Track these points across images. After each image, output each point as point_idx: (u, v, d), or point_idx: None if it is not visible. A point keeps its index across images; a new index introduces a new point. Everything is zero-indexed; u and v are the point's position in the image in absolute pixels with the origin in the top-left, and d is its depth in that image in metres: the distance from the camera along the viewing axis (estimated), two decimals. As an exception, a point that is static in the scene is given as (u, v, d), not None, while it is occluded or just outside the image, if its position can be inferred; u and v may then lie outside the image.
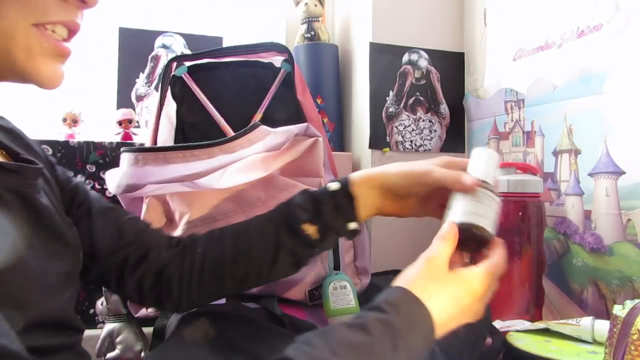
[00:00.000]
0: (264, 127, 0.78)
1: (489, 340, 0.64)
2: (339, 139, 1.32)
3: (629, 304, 0.48)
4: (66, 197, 0.56)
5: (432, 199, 0.59)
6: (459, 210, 0.51)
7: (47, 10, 0.41)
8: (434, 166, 0.56)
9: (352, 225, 0.58)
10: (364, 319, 0.42)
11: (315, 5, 1.30)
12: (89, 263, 0.56)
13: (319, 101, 1.26)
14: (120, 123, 1.16)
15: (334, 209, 0.58)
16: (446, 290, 0.46)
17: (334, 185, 0.59)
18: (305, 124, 0.83)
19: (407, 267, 0.48)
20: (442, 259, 0.47)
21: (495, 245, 0.51)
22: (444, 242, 0.48)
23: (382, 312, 0.42)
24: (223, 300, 0.76)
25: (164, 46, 1.29)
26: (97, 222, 0.58)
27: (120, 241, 0.59)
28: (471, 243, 0.51)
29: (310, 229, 0.58)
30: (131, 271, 0.59)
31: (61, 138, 1.09)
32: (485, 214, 0.51)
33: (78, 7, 0.43)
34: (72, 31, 0.44)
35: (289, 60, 0.99)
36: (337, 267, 0.82)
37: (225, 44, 1.34)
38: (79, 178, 1.05)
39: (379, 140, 1.20)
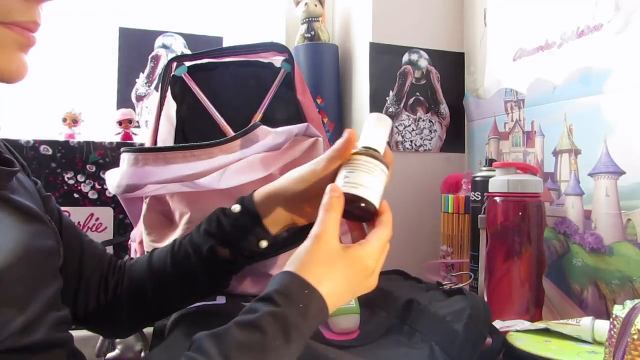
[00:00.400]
0: (264, 127, 0.78)
1: (489, 340, 0.64)
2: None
3: (629, 304, 0.47)
4: (42, 200, 0.56)
5: None
6: (340, 182, 0.50)
7: (8, 9, 0.40)
8: (321, 158, 0.53)
9: (264, 244, 0.56)
10: (255, 314, 0.42)
11: (315, 5, 1.30)
12: None
13: (319, 101, 1.26)
14: (120, 123, 1.16)
15: (240, 232, 0.56)
16: (338, 271, 0.46)
17: (237, 208, 0.57)
18: (305, 124, 0.83)
19: (300, 247, 0.47)
20: (330, 234, 0.46)
21: (381, 216, 0.50)
22: (328, 214, 0.47)
23: (273, 304, 0.42)
24: (223, 300, 0.76)
25: (164, 46, 1.29)
26: (65, 234, 0.58)
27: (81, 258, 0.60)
28: (356, 212, 0.50)
29: (223, 252, 0.57)
30: (85, 290, 0.59)
31: (61, 138, 1.09)
32: (367, 184, 0.49)
33: (37, 2, 0.42)
34: (32, 29, 0.43)
35: (289, 60, 0.99)
36: (337, 267, 0.82)
37: (225, 44, 1.33)
38: (80, 178, 1.05)
39: (379, 140, 1.20)
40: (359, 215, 0.50)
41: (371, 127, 0.52)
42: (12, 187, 0.47)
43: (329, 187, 0.48)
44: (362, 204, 0.49)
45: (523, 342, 0.63)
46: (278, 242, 0.57)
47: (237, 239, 0.56)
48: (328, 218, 0.46)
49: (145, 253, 0.66)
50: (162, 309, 0.64)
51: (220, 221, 0.57)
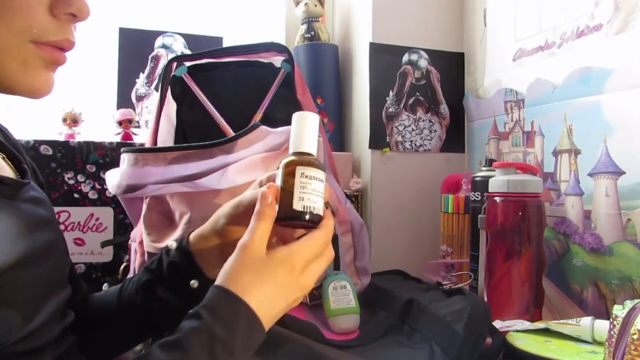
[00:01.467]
0: (264, 128, 0.78)
1: (488, 340, 0.64)
2: (339, 139, 1.32)
3: (629, 304, 0.48)
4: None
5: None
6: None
7: (44, 29, 0.41)
8: (244, 197, 0.52)
9: (194, 284, 0.53)
10: (180, 332, 0.41)
11: (315, 5, 1.31)
12: None
13: (319, 101, 1.26)
14: (120, 123, 1.16)
15: (174, 270, 0.55)
16: (264, 276, 0.44)
17: (173, 245, 0.56)
18: (305, 124, 0.83)
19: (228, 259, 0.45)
20: (257, 242, 0.44)
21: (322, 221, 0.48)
22: (258, 223, 0.45)
23: (197, 319, 0.41)
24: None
25: (164, 46, 1.29)
26: None
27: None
28: (299, 225, 0.48)
29: (159, 290, 0.56)
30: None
31: (61, 138, 1.09)
32: (306, 196, 0.46)
33: (70, 22, 0.43)
34: (66, 48, 0.44)
35: (289, 60, 0.99)
36: (337, 267, 0.82)
37: (225, 44, 1.34)
38: (80, 178, 1.05)
39: (378, 140, 1.20)
40: (302, 226, 0.48)
41: (298, 129, 0.48)
42: (23, 196, 0.47)
43: (260, 194, 0.46)
44: (304, 219, 0.46)
45: (523, 342, 0.63)
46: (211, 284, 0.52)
47: (170, 278, 0.55)
48: (257, 227, 0.45)
49: (145, 255, 0.65)
50: (107, 347, 0.60)
51: (161, 259, 0.56)
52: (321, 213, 0.47)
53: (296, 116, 0.48)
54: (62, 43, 0.43)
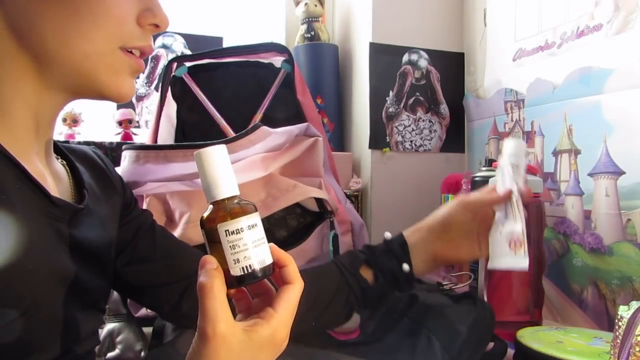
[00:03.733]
0: (265, 128, 0.78)
1: (490, 344, 0.64)
2: (339, 139, 1.32)
3: (635, 305, 0.47)
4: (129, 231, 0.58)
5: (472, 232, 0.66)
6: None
7: (131, 36, 0.45)
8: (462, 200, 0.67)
9: (406, 267, 0.64)
10: None
11: (315, 5, 1.31)
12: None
13: (319, 101, 1.26)
14: (120, 123, 1.16)
15: (386, 253, 0.66)
16: None
17: (388, 235, 0.68)
18: (306, 124, 0.83)
19: (190, 349, 0.36)
20: (222, 323, 0.35)
21: (283, 269, 0.40)
22: (208, 300, 0.35)
23: None
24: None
25: (164, 46, 1.29)
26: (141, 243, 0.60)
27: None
28: (252, 286, 0.41)
29: (367, 273, 0.65)
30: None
31: (61, 138, 1.09)
32: (248, 251, 0.38)
33: (152, 31, 0.48)
34: (147, 53, 0.48)
35: (289, 60, 0.99)
36: (337, 267, 0.82)
37: (225, 44, 1.34)
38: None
39: (379, 140, 1.20)
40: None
41: (205, 171, 0.38)
42: (75, 220, 0.46)
43: (200, 261, 0.37)
44: (252, 281, 0.38)
45: (539, 345, 0.61)
46: (419, 271, 0.66)
47: (382, 259, 0.65)
48: (210, 305, 0.35)
49: None
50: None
51: (371, 246, 0.68)
52: (270, 260, 0.39)
53: (197, 157, 0.38)
54: (145, 48, 0.47)
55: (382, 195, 1.20)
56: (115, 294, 0.86)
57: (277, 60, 1.01)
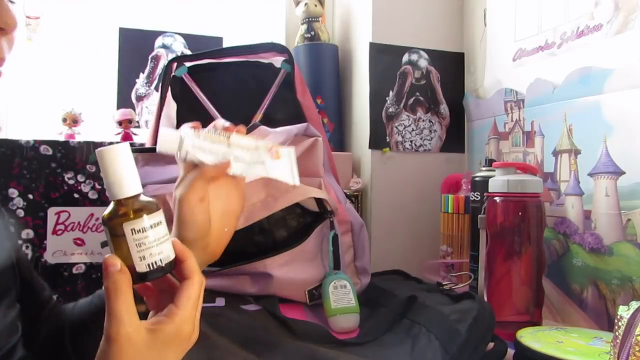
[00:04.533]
0: (263, 128, 0.78)
1: (490, 344, 0.64)
2: (339, 139, 1.32)
3: (635, 305, 0.47)
4: None
5: None
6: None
7: None
8: None
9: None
10: None
11: (315, 5, 1.31)
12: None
13: (319, 101, 1.26)
14: (120, 123, 1.16)
15: None
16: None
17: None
18: (305, 124, 0.83)
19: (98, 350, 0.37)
20: (127, 324, 0.36)
21: (183, 263, 0.41)
22: (115, 300, 0.36)
23: None
24: (222, 303, 0.76)
25: (164, 46, 1.29)
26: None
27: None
28: (156, 281, 0.42)
29: None
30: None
31: (61, 138, 1.09)
32: (150, 249, 0.38)
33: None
34: None
35: (289, 60, 0.99)
36: (337, 266, 0.82)
37: (225, 44, 1.34)
38: (80, 178, 1.05)
39: (379, 140, 1.20)
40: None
41: (107, 169, 0.38)
42: None
43: (104, 262, 0.37)
44: (157, 277, 0.39)
45: (539, 345, 0.61)
46: None
47: None
48: (116, 307, 0.36)
49: None
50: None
51: None
52: (173, 256, 0.40)
53: (98, 155, 0.38)
54: None
55: (382, 195, 1.20)
56: None
57: (277, 60, 1.01)
